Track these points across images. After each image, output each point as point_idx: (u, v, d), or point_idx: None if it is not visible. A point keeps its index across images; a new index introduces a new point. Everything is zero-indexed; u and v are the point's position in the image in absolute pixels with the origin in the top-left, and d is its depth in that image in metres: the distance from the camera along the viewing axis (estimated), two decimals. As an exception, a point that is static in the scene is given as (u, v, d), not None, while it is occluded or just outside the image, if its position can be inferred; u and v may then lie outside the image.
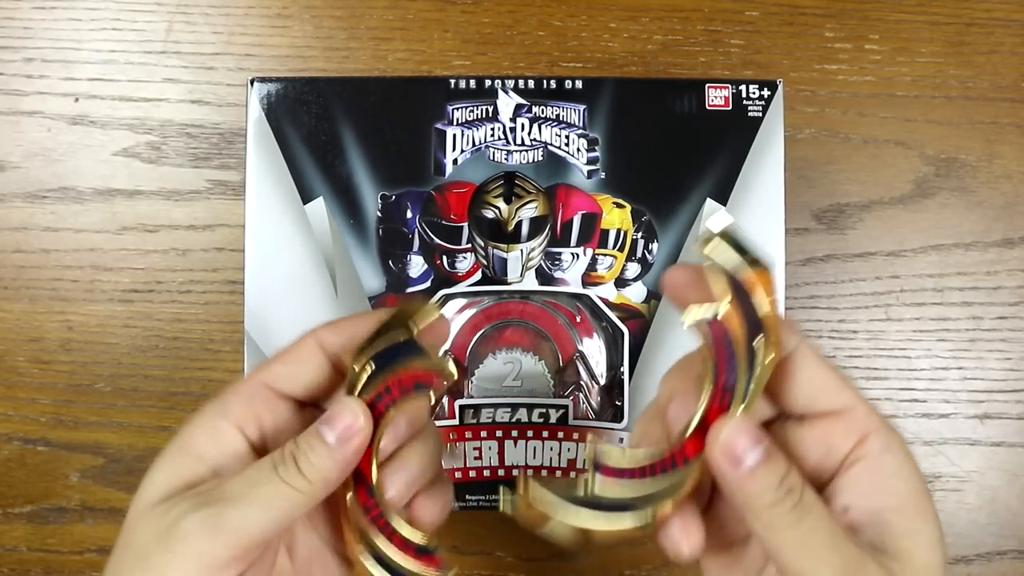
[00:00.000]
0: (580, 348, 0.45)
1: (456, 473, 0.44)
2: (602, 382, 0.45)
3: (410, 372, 0.29)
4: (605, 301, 0.45)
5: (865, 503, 0.26)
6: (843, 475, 0.27)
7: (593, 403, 0.45)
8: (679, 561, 0.27)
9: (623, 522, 0.27)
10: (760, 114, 0.45)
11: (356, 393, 0.29)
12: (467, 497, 0.44)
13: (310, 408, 0.31)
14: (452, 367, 0.29)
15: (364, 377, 0.29)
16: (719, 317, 0.27)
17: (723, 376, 0.27)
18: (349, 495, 0.29)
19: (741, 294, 0.27)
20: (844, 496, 0.27)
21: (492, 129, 0.44)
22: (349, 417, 0.28)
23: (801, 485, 0.25)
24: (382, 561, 0.29)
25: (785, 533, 0.25)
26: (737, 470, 0.25)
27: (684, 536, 0.26)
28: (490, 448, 0.44)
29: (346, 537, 0.29)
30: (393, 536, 0.29)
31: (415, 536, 0.29)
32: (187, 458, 0.28)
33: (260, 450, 0.29)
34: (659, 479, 0.27)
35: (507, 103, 0.44)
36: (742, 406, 0.27)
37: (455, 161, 0.44)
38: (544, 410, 0.44)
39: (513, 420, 0.44)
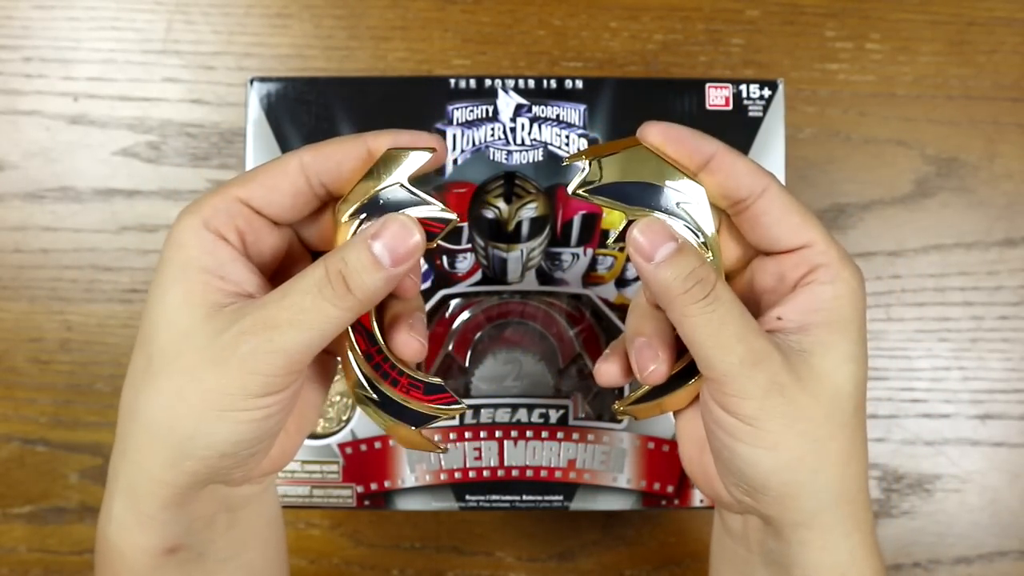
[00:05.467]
0: (580, 348, 0.45)
1: (456, 474, 0.44)
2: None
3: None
4: (605, 301, 0.44)
5: (795, 317, 0.29)
6: (786, 296, 0.29)
7: (593, 403, 0.45)
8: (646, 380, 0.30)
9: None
10: (760, 114, 0.45)
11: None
12: (467, 497, 0.44)
13: (285, 227, 0.30)
14: (451, 213, 0.28)
15: (354, 226, 0.28)
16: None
17: None
18: (349, 342, 0.29)
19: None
20: (780, 309, 0.29)
21: (492, 129, 0.44)
22: (406, 235, 0.27)
23: (715, 280, 0.27)
24: (388, 405, 0.29)
25: (696, 319, 0.27)
26: (649, 263, 0.27)
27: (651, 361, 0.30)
28: (490, 448, 0.44)
29: (348, 385, 0.29)
30: (400, 379, 0.29)
31: (422, 376, 0.29)
32: (192, 272, 0.27)
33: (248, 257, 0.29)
34: None
35: (507, 103, 0.44)
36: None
37: (455, 161, 0.44)
38: (544, 410, 0.44)
39: (513, 420, 0.44)
